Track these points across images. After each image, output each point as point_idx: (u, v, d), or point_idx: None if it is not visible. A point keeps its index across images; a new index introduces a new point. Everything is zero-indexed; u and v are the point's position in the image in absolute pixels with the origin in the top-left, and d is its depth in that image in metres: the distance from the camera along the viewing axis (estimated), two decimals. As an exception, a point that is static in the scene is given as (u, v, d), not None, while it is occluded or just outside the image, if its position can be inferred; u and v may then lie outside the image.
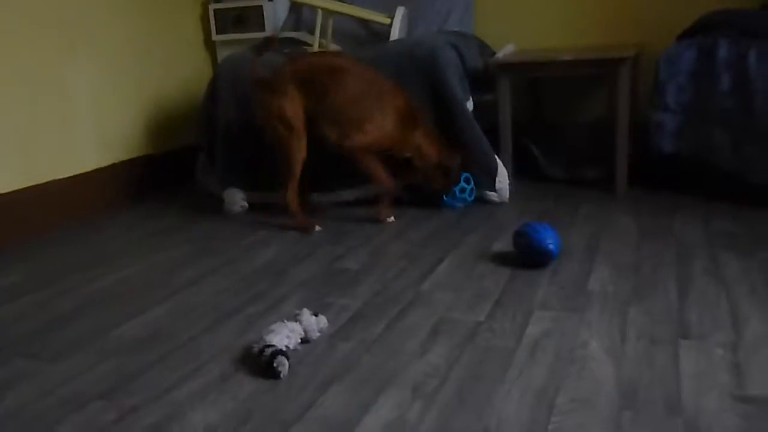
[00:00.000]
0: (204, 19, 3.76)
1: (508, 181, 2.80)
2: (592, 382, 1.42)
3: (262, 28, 3.54)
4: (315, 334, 1.68)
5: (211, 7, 3.61)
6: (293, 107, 2.55)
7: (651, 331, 1.61)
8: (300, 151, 2.57)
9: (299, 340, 1.65)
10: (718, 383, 1.38)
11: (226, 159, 2.94)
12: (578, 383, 1.41)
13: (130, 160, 3.30)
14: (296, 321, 1.67)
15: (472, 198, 2.78)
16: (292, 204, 2.62)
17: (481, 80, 2.97)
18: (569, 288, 1.89)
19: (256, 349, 1.57)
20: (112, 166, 3.19)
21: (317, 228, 2.60)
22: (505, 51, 3.07)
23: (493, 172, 2.77)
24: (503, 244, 2.30)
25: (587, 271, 2.00)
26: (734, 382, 1.38)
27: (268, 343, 1.56)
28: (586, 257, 2.12)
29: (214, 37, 3.66)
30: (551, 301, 1.82)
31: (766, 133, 2.47)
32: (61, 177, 2.93)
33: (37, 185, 2.82)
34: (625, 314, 1.71)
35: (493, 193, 2.80)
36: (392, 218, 2.64)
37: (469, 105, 2.79)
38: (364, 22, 3.29)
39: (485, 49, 3.19)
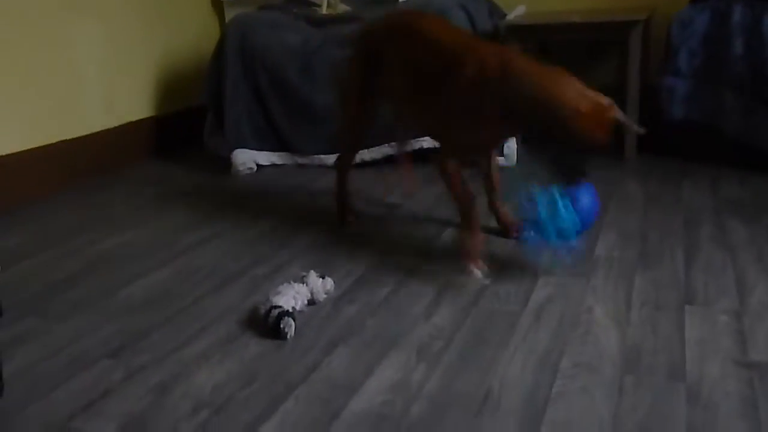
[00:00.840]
0: (210, -22, 3.72)
1: (515, 146, 2.78)
2: (596, 347, 1.42)
3: (270, -13, 3.49)
4: (321, 296, 1.68)
5: (218, -34, 3.56)
6: (359, 72, 2.06)
7: (656, 297, 1.61)
8: (357, 127, 2.15)
9: (306, 302, 1.66)
10: (722, 349, 1.38)
11: (234, 120, 2.93)
12: (582, 348, 1.42)
13: (137, 122, 3.29)
14: (303, 283, 1.68)
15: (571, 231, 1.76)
16: (336, 185, 2.27)
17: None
18: (575, 254, 1.89)
19: (262, 310, 1.58)
20: (119, 128, 3.18)
21: (351, 223, 2.24)
22: (516, 13, 3.03)
23: (500, 137, 2.76)
24: (509, 207, 2.28)
25: (594, 237, 2.00)
26: (738, 348, 1.38)
27: (274, 305, 1.57)
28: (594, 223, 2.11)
29: (221, -4, 3.62)
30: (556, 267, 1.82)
31: (779, 99, 2.44)
32: (67, 138, 2.92)
33: (43, 146, 2.81)
34: (631, 280, 1.71)
35: (500, 157, 2.78)
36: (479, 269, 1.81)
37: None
38: (373, -17, 3.24)
39: (495, 11, 3.14)
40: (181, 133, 3.54)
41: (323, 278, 1.71)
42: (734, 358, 1.35)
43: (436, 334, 1.51)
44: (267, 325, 1.55)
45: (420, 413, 1.24)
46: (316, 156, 2.91)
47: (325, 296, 1.69)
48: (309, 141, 2.90)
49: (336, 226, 2.22)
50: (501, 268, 1.83)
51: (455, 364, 1.39)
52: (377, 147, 2.83)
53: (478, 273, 1.76)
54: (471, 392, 1.29)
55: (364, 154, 2.83)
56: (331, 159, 2.87)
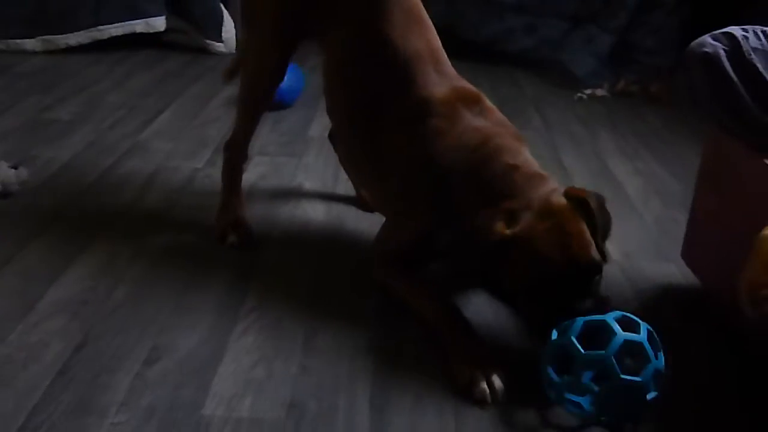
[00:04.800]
0: None
1: (234, 32, 2.72)
2: (304, 219, 1.49)
3: None
4: (14, 188, 1.54)
5: None
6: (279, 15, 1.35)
7: (362, 171, 1.72)
8: (264, 82, 1.41)
9: (-4, 195, 1.51)
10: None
11: None
12: (291, 221, 1.48)
13: None
14: (-8, 174, 1.52)
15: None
16: (226, 170, 1.46)
17: None
18: (290, 135, 1.93)
19: (-58, 205, 1.42)
20: None
21: (231, 240, 1.37)
22: None
23: (218, 21, 2.67)
24: (228, 93, 2.25)
25: (309, 119, 2.05)
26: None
27: (-43, 199, 1.41)
28: (310, 105, 2.15)
29: None
30: (271, 147, 1.84)
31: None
32: None
33: None
34: (340, 157, 1.79)
35: (219, 43, 2.71)
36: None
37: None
38: None
39: None
40: None
41: (16, 168, 1.56)
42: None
43: (145, 218, 1.47)
44: (-51, 220, 1.39)
45: (124, 296, 1.21)
46: (12, 41, 2.59)
47: (19, 187, 1.56)
48: (3, 22, 2.57)
49: (35, 114, 2.01)
50: (215, 151, 1.81)
51: (164, 246, 1.37)
52: (84, 31, 2.59)
53: (488, 392, 1.02)
54: (178, 272, 1.29)
55: (69, 39, 2.58)
56: (29, 44, 2.58)
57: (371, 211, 1.48)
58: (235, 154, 1.44)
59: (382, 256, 1.25)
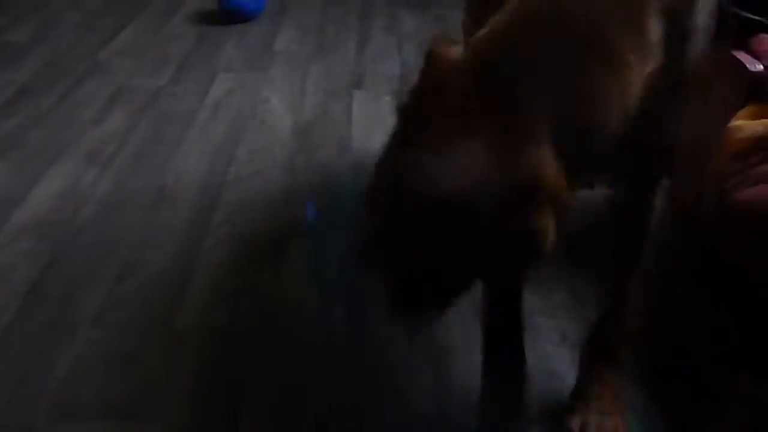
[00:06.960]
0: None
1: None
2: (271, 133, 1.46)
3: None
4: (-28, 112, 1.50)
5: None
6: None
7: (328, 84, 1.68)
8: None
9: (-47, 120, 1.47)
10: (384, 126, 1.49)
11: None
12: (257, 136, 1.45)
13: None
14: (-54, 99, 1.47)
15: None
16: None
17: None
18: (255, 50, 1.88)
19: None
20: None
21: None
22: None
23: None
24: (191, 8, 2.18)
25: (273, 33, 1.99)
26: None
27: None
28: (273, 20, 2.09)
29: None
30: (236, 62, 1.79)
31: None
32: None
33: None
34: (306, 71, 1.75)
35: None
36: None
37: None
38: None
39: None
40: None
41: (-28, 91, 1.52)
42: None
43: (107, 138, 1.44)
44: None
45: (91, 214, 1.20)
46: None
47: (-23, 111, 1.51)
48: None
49: None
50: (178, 68, 1.76)
51: (128, 165, 1.35)
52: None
53: None
54: (145, 189, 1.27)
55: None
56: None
57: None
58: None
59: None
